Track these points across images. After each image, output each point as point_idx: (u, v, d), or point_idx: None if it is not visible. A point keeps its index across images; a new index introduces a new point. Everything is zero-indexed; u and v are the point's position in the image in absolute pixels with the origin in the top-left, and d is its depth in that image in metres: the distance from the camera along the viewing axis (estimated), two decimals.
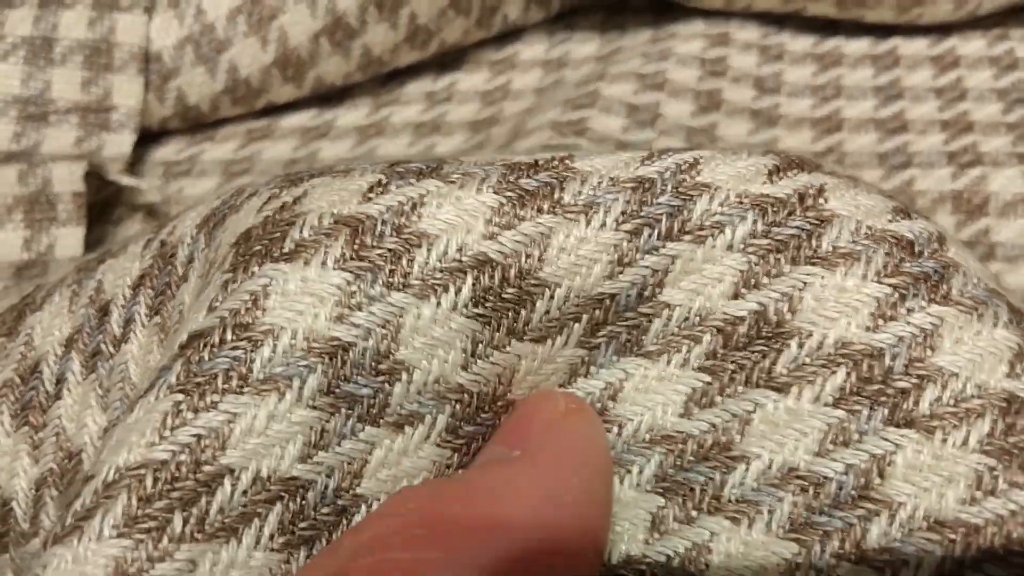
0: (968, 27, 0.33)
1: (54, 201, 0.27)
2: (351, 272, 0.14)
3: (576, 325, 0.15)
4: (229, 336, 0.14)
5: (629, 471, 0.15)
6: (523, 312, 0.15)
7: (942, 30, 0.33)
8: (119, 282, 0.18)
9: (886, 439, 0.14)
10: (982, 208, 0.27)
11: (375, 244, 0.15)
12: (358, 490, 0.15)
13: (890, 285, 0.15)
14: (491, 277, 0.15)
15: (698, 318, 0.15)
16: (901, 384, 0.14)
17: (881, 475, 0.14)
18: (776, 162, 0.16)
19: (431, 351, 0.15)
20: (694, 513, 0.15)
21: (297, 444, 0.14)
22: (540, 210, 0.15)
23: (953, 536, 0.14)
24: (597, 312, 0.15)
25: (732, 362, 0.15)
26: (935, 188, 0.28)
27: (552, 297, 0.15)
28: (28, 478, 0.17)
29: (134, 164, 0.31)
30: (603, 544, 0.14)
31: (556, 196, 0.15)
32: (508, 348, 0.15)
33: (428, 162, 0.16)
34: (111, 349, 0.18)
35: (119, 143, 0.30)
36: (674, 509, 0.15)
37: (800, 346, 0.15)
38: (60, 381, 0.18)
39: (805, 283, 0.15)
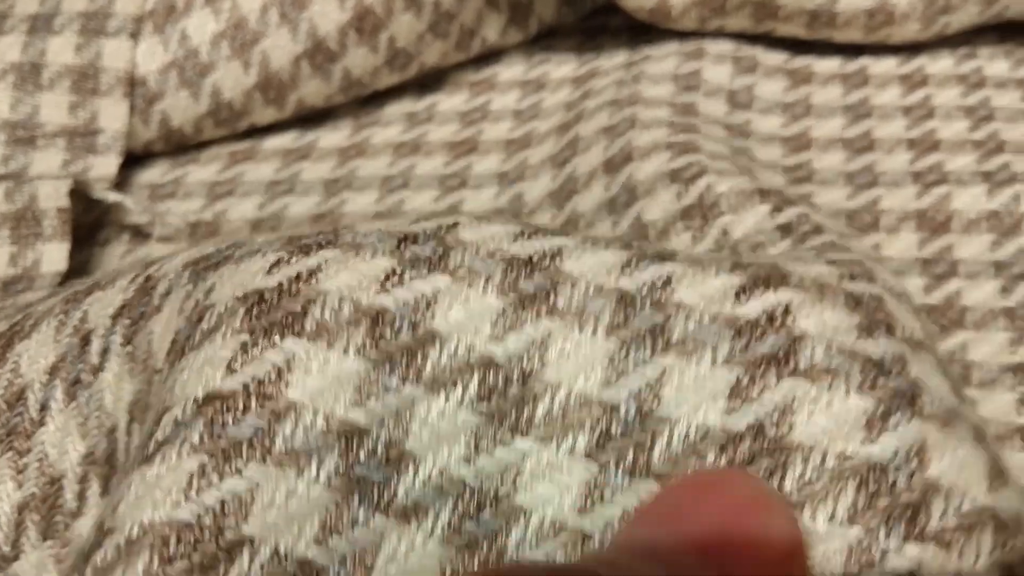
0: (937, 46, 0.33)
1: (40, 217, 0.27)
2: (370, 361, 0.15)
3: (581, 434, 0.16)
4: (253, 405, 0.15)
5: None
6: (526, 410, 0.16)
7: (911, 49, 0.33)
8: (102, 312, 0.19)
9: (902, 554, 0.14)
10: (945, 225, 0.28)
11: (393, 338, 0.15)
12: None
13: (874, 399, 0.15)
14: (496, 376, 0.16)
15: (699, 435, 0.15)
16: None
17: None
18: (743, 281, 0.17)
19: (436, 444, 0.15)
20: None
21: (314, 525, 0.14)
22: (539, 313, 0.16)
23: None
24: (601, 422, 0.16)
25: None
26: (900, 207, 0.28)
27: (554, 398, 0.16)
28: (11, 502, 0.18)
29: (120, 186, 0.32)
30: None
31: (551, 300, 0.16)
32: (511, 444, 0.16)
33: (433, 242, 0.17)
34: (90, 377, 0.18)
35: (105, 165, 0.31)
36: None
37: (805, 462, 0.15)
38: (44, 408, 0.18)
39: (794, 397, 0.15)
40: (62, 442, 0.18)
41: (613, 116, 0.29)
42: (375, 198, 0.31)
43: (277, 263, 0.16)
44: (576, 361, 0.16)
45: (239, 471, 0.14)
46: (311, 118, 0.34)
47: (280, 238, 0.17)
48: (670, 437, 0.15)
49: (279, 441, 0.14)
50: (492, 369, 0.16)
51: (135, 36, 0.31)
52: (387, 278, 0.16)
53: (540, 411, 0.16)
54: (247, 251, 0.17)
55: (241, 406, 0.15)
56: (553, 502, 0.16)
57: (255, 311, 0.16)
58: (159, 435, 0.15)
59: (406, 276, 0.16)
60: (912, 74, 0.33)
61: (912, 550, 0.14)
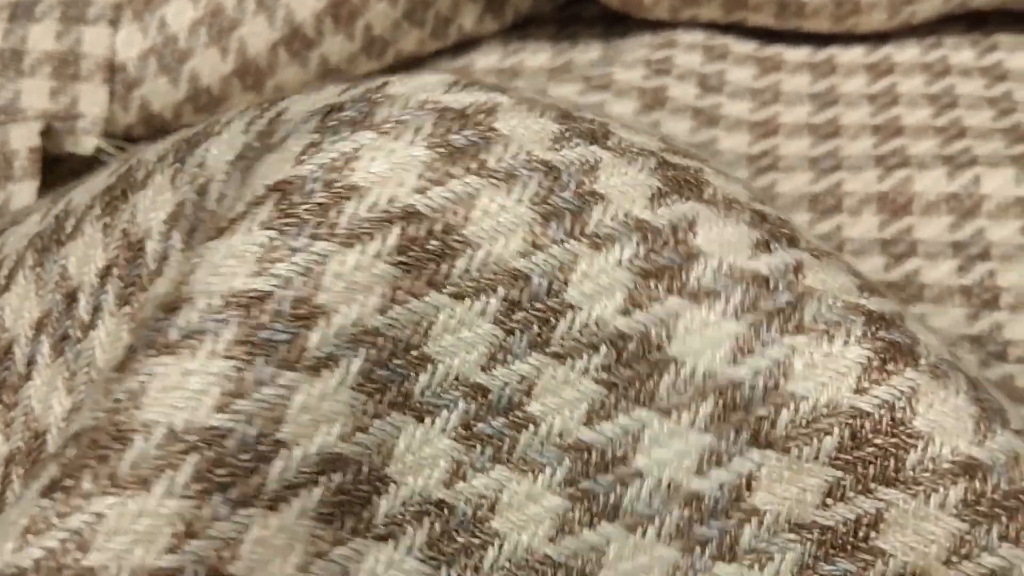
0: (903, 36, 0.34)
1: (11, 158, 0.28)
2: (275, 230, 0.15)
3: (493, 297, 0.16)
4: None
5: (543, 472, 0.16)
6: (444, 265, 0.16)
7: (878, 38, 0.34)
8: (85, 269, 0.19)
9: (750, 458, 0.16)
10: (906, 207, 0.28)
11: (303, 201, 0.15)
12: (277, 435, 0.15)
13: (747, 323, 0.16)
14: (417, 228, 0.15)
15: (596, 326, 0.16)
16: (760, 412, 0.16)
17: (749, 489, 0.16)
18: (659, 184, 0.17)
19: (351, 296, 0.15)
20: (596, 520, 0.16)
21: (214, 395, 0.14)
22: (468, 169, 0.16)
23: (810, 534, 0.16)
24: (513, 290, 0.16)
25: (623, 379, 0.16)
26: (862, 190, 0.29)
27: (472, 257, 0.16)
28: None
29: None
30: None
31: (482, 157, 0.16)
32: (426, 297, 0.16)
33: (360, 104, 0.16)
34: (79, 334, 0.18)
35: (84, 148, 0.31)
36: (578, 513, 0.16)
37: (676, 374, 0.16)
38: (31, 363, 0.19)
39: (677, 313, 0.16)
40: (47, 397, 0.18)
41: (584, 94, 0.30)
42: None
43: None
44: (498, 223, 0.16)
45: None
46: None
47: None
48: (571, 322, 0.16)
49: (174, 333, 0.15)
50: (414, 220, 0.15)
51: (114, 23, 0.32)
52: (304, 151, 0.16)
53: (458, 267, 0.16)
54: (215, 198, 0.18)
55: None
56: (459, 355, 0.16)
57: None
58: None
59: (325, 143, 0.16)
60: (879, 63, 0.34)
61: (754, 454, 0.16)
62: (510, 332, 0.16)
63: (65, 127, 0.32)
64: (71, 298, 0.19)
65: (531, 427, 0.16)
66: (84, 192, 0.20)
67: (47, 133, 0.29)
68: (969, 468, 0.15)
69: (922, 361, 0.16)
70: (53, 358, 0.18)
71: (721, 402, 0.16)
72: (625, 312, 0.16)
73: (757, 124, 0.32)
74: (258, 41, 0.32)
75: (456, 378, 0.16)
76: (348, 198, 0.15)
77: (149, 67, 0.32)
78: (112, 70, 0.32)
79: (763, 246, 0.17)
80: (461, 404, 0.16)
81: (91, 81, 0.32)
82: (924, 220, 0.28)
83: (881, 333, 0.16)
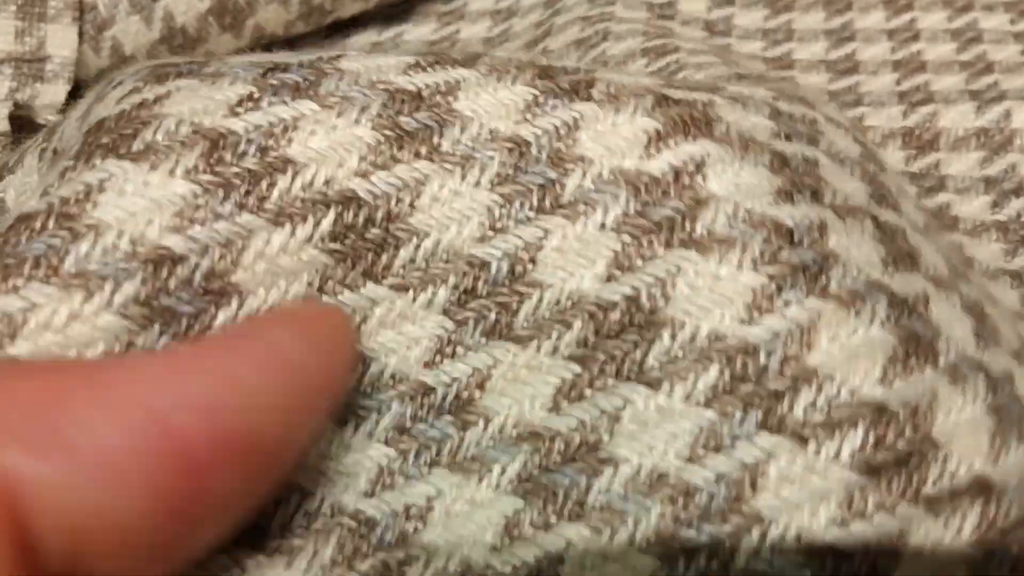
0: None
1: None
2: (200, 185, 0.14)
3: (443, 287, 0.14)
4: (51, 223, 0.13)
5: (491, 470, 0.14)
6: (384, 256, 0.14)
7: None
8: (20, 199, 0.17)
9: (760, 446, 0.13)
10: (933, 143, 0.27)
11: (234, 162, 0.14)
12: None
13: (767, 275, 0.14)
14: (355, 215, 0.14)
15: (570, 302, 0.14)
16: (775, 385, 0.13)
17: (754, 486, 0.13)
18: (658, 126, 0.15)
19: (272, 280, 0.14)
20: (553, 519, 0.13)
21: (97, 352, 0.13)
22: (417, 154, 0.14)
23: (823, 560, 0.13)
24: (467, 278, 0.14)
25: (603, 352, 0.14)
26: (885, 125, 0.27)
27: (419, 247, 0.14)
28: None
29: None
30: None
31: (435, 141, 0.15)
32: (362, 289, 0.14)
33: (306, 70, 0.15)
34: None
35: (53, 93, 0.29)
36: (532, 513, 0.13)
37: (673, 337, 0.14)
38: None
39: (679, 268, 0.14)
40: None
41: (585, 30, 0.28)
42: None
43: (130, 92, 0.15)
44: (451, 209, 0.14)
45: (15, 289, 0.13)
46: (272, 49, 0.32)
47: (144, 66, 0.16)
48: (539, 301, 0.14)
49: (69, 261, 0.13)
50: (353, 206, 0.14)
51: None
52: (240, 103, 0.14)
53: (401, 258, 0.14)
54: (112, 86, 0.16)
55: (39, 225, 0.13)
56: (398, 352, 0.14)
57: (90, 138, 0.14)
58: None
59: (264, 101, 0.14)
60: None
61: (765, 440, 0.13)
62: (462, 323, 0.14)
63: (32, 70, 0.29)
64: None
65: (481, 423, 0.14)
66: None
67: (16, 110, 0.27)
68: (984, 490, 0.13)
69: (941, 360, 0.14)
70: None
71: (729, 371, 0.13)
72: (609, 278, 0.14)
73: (770, 60, 0.30)
74: None
75: (393, 376, 0.14)
76: (282, 171, 0.14)
77: (120, 6, 0.30)
78: (81, 9, 0.30)
79: (785, 195, 0.15)
80: (396, 406, 0.14)
81: (59, 21, 0.30)
82: (953, 155, 0.26)
83: (904, 321, 0.14)
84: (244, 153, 0.14)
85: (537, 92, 0.15)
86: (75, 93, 0.30)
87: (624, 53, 0.26)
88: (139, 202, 0.13)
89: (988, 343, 0.15)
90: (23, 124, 0.28)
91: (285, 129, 0.14)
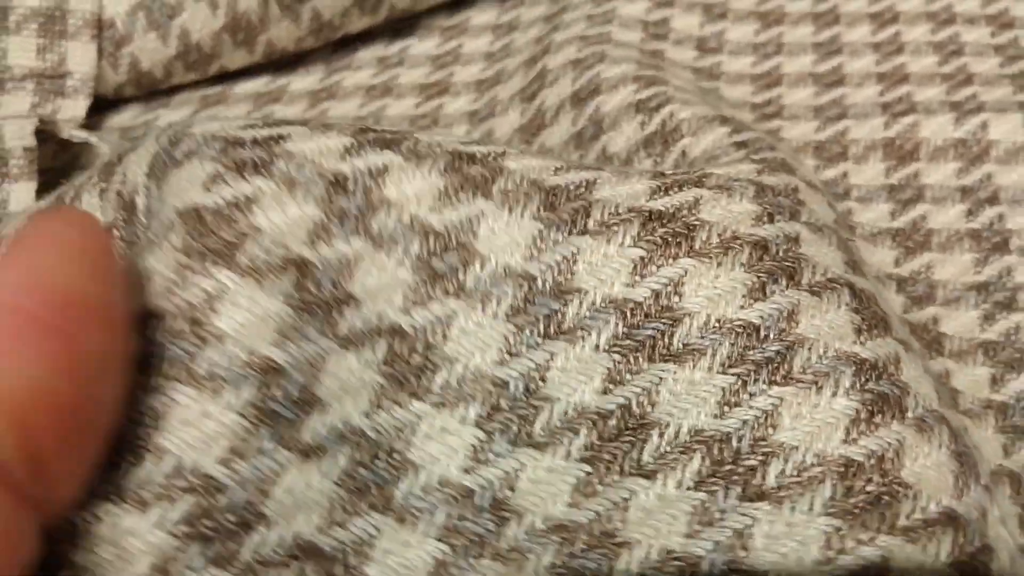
0: None
1: (6, 157, 0.27)
2: (292, 308, 0.16)
3: (474, 404, 0.17)
4: (186, 328, 0.15)
5: (528, 560, 0.16)
6: (424, 378, 0.17)
7: None
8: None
9: (744, 514, 0.16)
10: (913, 154, 0.28)
11: (314, 291, 0.16)
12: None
13: (734, 374, 0.17)
14: (401, 345, 0.16)
15: (575, 412, 0.17)
16: (749, 462, 0.16)
17: (744, 548, 0.16)
18: (642, 254, 0.17)
19: (341, 395, 0.16)
20: None
21: (221, 446, 0.15)
22: (446, 292, 0.17)
23: None
24: (492, 396, 0.17)
25: (607, 453, 0.16)
26: (868, 136, 0.28)
27: (451, 370, 0.17)
28: None
29: (91, 130, 0.31)
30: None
31: (460, 280, 0.17)
32: (409, 407, 0.16)
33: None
34: None
35: (74, 108, 0.31)
36: None
37: (660, 436, 0.16)
38: None
39: (661, 378, 0.17)
40: None
41: (582, 50, 0.29)
42: None
43: (215, 179, 0.17)
44: (475, 339, 0.17)
45: (160, 388, 0.15)
46: (283, 63, 0.34)
47: (216, 138, 0.17)
48: (551, 412, 0.17)
49: (202, 366, 0.15)
50: (399, 337, 0.16)
51: None
52: (313, 239, 0.16)
53: (438, 380, 0.17)
54: (185, 153, 0.17)
55: (175, 328, 0.15)
56: (442, 461, 0.16)
57: (192, 229, 0.16)
58: None
59: (336, 238, 0.16)
60: (882, 12, 0.33)
61: (746, 508, 0.16)
62: (490, 433, 0.17)
63: (53, 86, 0.31)
64: None
65: (514, 520, 0.16)
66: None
67: (41, 132, 0.28)
68: (952, 521, 0.16)
69: (909, 414, 0.16)
70: None
71: (709, 458, 0.16)
72: (605, 391, 0.17)
73: (759, 76, 0.31)
74: None
75: (439, 481, 0.16)
76: (347, 304, 0.16)
77: (138, 23, 0.31)
78: (100, 26, 0.31)
79: (759, 291, 0.17)
80: (443, 507, 0.16)
81: (79, 38, 0.31)
82: (932, 166, 0.27)
83: (870, 385, 0.16)
84: (321, 285, 0.16)
85: (542, 226, 0.17)
86: (94, 107, 0.31)
87: (617, 77, 0.27)
88: (250, 317, 0.15)
89: (944, 401, 0.18)
90: (46, 138, 0.29)
91: (348, 266, 0.16)
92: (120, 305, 0.14)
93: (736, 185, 0.19)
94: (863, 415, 0.16)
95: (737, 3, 0.34)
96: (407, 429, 0.16)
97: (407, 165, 0.17)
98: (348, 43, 0.34)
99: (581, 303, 0.17)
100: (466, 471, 0.16)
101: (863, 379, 0.16)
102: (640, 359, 0.17)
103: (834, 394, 0.16)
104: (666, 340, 0.17)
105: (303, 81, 0.33)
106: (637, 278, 0.17)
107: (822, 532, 0.15)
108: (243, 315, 0.15)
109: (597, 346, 0.17)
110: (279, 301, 0.16)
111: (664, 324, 0.17)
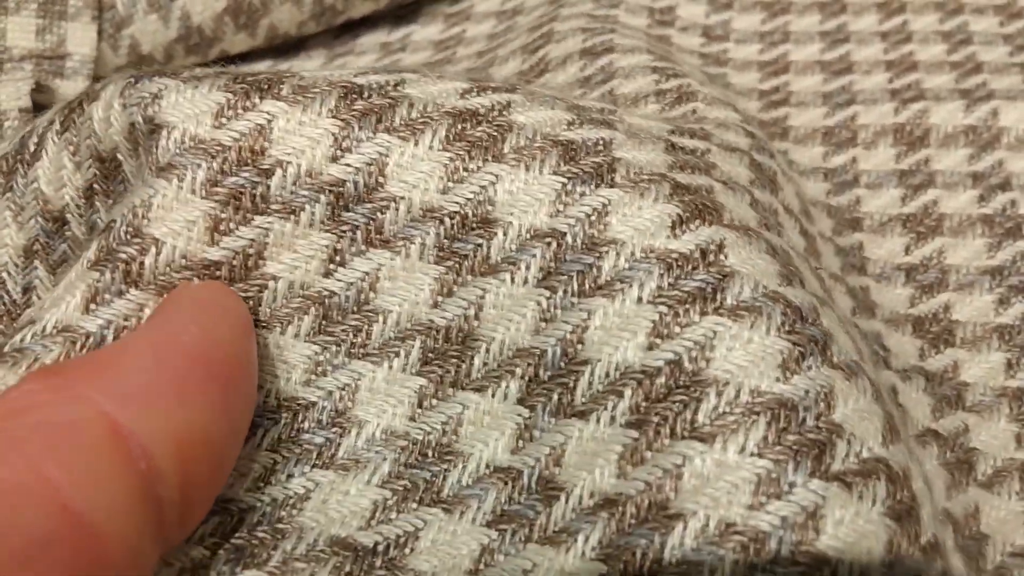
0: None
1: (0, 119, 0.27)
2: (318, 346, 0.17)
3: (513, 380, 0.16)
4: (325, 418, 0.16)
5: (575, 540, 0.15)
6: (463, 365, 0.16)
7: None
8: (59, 193, 0.18)
9: (814, 491, 0.14)
10: (923, 139, 0.28)
11: (340, 320, 0.17)
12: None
13: (790, 341, 0.15)
14: (435, 340, 0.16)
15: (618, 372, 0.15)
16: (812, 435, 0.14)
17: (816, 529, 0.14)
18: (679, 211, 0.16)
19: (382, 406, 0.16)
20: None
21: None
22: (474, 272, 0.16)
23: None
24: (530, 368, 0.16)
25: (656, 414, 0.15)
26: (877, 122, 0.28)
27: (488, 351, 0.16)
28: None
29: None
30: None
31: (485, 254, 0.16)
32: (454, 398, 0.16)
33: (366, 210, 0.17)
34: (24, 169, 0.18)
35: (72, 89, 0.30)
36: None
37: (719, 395, 0.15)
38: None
39: (715, 333, 0.15)
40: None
41: (590, 24, 0.29)
42: None
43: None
44: (508, 311, 0.16)
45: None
46: (285, 48, 0.33)
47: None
48: (592, 375, 0.15)
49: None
50: (432, 333, 0.16)
51: None
52: (328, 269, 0.17)
53: (476, 365, 0.16)
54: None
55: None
56: (488, 445, 0.16)
57: None
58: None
59: (347, 259, 0.17)
60: (890, 1, 0.33)
61: (816, 486, 0.14)
62: (532, 408, 0.16)
63: (52, 67, 0.30)
64: (23, 143, 0.19)
65: (563, 497, 0.15)
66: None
67: (37, 91, 0.28)
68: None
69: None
70: (1, 193, 0.19)
71: (775, 423, 0.14)
72: (651, 347, 0.15)
73: (766, 63, 0.31)
74: None
75: (487, 465, 0.16)
76: (375, 319, 0.17)
77: (139, 4, 0.31)
78: (100, 8, 0.31)
79: (786, 278, 0.16)
80: (493, 492, 0.16)
81: (79, 19, 0.31)
82: (942, 152, 0.27)
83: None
84: (346, 311, 0.16)
85: (565, 180, 0.16)
86: None
87: (631, 66, 0.27)
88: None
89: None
90: (43, 105, 0.28)
91: (371, 284, 0.16)
92: (255, 357, 0.16)
93: (737, 187, 0.19)
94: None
95: None
96: (452, 420, 0.16)
97: (405, 146, 0.16)
98: (351, 28, 0.34)
99: (619, 255, 0.16)
100: (512, 452, 0.16)
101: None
102: (691, 312, 0.15)
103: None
104: (719, 296, 0.15)
105: (304, 66, 0.33)
106: (678, 232, 0.16)
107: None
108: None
109: (640, 298, 0.15)
110: (305, 343, 0.17)
111: (715, 278, 0.15)
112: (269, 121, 0.16)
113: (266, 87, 0.17)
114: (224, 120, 0.16)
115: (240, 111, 0.16)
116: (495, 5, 0.35)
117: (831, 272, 0.23)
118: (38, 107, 0.27)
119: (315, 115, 0.16)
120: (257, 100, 0.16)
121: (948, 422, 0.21)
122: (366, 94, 0.17)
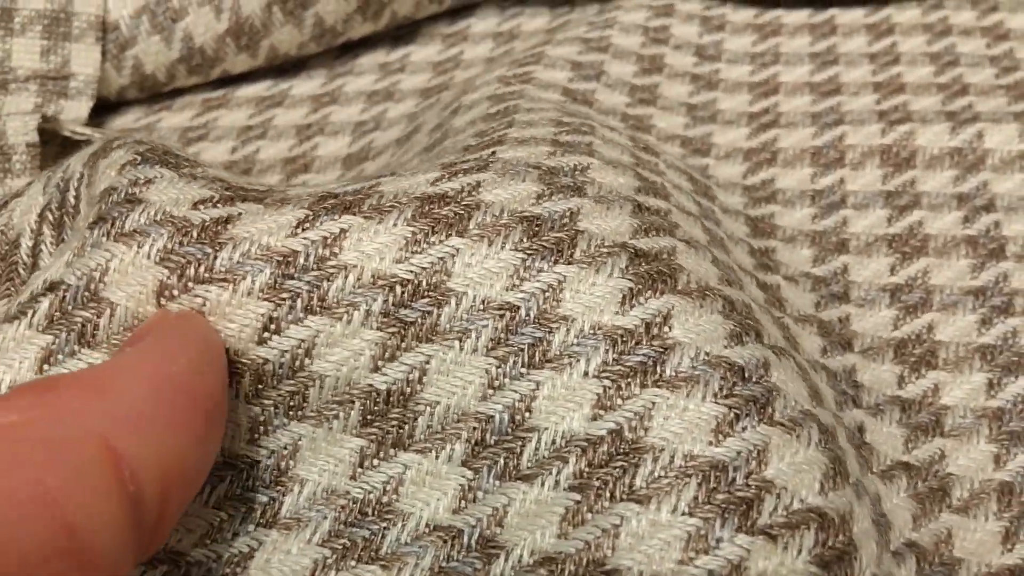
0: None
1: (9, 153, 0.27)
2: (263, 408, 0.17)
3: (459, 443, 0.17)
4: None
5: None
6: (407, 427, 0.17)
7: (879, 0, 0.34)
8: (25, 217, 0.19)
9: (740, 545, 0.15)
10: (909, 161, 0.28)
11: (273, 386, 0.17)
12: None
13: (726, 405, 0.16)
14: (376, 403, 0.17)
15: (563, 440, 0.16)
16: (741, 493, 0.16)
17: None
18: (631, 285, 0.17)
19: (323, 467, 0.17)
20: None
21: None
22: (419, 339, 0.17)
23: None
24: (476, 432, 0.17)
25: (597, 479, 0.16)
26: (864, 143, 0.29)
27: (433, 414, 0.17)
28: None
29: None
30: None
31: (432, 323, 0.17)
32: (396, 459, 0.17)
33: (312, 276, 0.17)
34: (24, 275, 0.19)
35: (76, 109, 0.31)
36: None
37: (655, 461, 0.16)
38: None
39: (654, 404, 0.16)
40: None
41: (574, 68, 0.30)
42: (347, 142, 0.31)
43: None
44: (455, 378, 0.17)
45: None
46: (285, 68, 0.34)
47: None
48: (538, 443, 0.16)
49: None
50: (373, 396, 0.17)
51: None
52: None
53: (420, 427, 0.17)
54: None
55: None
56: (431, 505, 0.17)
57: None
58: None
59: (288, 324, 0.17)
60: (879, 23, 0.33)
61: (742, 540, 0.15)
62: (478, 471, 0.17)
63: (57, 88, 0.31)
64: (15, 244, 0.20)
65: (502, 556, 0.16)
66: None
67: (44, 121, 0.29)
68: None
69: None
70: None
71: (705, 485, 0.16)
72: (594, 417, 0.16)
73: (757, 84, 0.32)
74: (253, 0, 0.31)
75: (428, 525, 0.17)
76: (313, 384, 0.17)
77: (142, 26, 0.31)
78: (104, 29, 0.31)
79: (735, 338, 0.17)
80: (431, 551, 0.16)
81: (83, 40, 0.31)
82: (928, 173, 0.28)
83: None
84: (281, 377, 0.17)
85: (524, 255, 0.17)
86: (97, 109, 0.32)
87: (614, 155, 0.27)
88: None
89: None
90: (48, 138, 0.29)
91: (306, 350, 0.17)
92: (227, 391, 0.16)
93: (699, 247, 0.20)
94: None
95: (734, 15, 0.35)
96: (394, 480, 0.17)
97: (368, 224, 0.17)
98: (350, 49, 0.35)
99: (568, 330, 0.17)
100: (455, 512, 0.16)
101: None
102: (632, 385, 0.16)
103: (808, 445, 0.16)
104: (658, 368, 0.16)
105: (305, 85, 0.34)
106: (626, 307, 0.17)
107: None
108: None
109: (586, 372, 0.16)
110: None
111: (656, 352, 0.17)
112: (239, 215, 0.17)
113: (241, 194, 0.18)
114: (200, 207, 0.17)
115: (217, 205, 0.17)
116: (492, 26, 0.35)
117: (801, 314, 0.23)
118: (44, 138, 0.28)
119: (286, 212, 0.17)
120: (230, 201, 0.18)
121: (922, 452, 0.21)
122: (341, 195, 0.18)
